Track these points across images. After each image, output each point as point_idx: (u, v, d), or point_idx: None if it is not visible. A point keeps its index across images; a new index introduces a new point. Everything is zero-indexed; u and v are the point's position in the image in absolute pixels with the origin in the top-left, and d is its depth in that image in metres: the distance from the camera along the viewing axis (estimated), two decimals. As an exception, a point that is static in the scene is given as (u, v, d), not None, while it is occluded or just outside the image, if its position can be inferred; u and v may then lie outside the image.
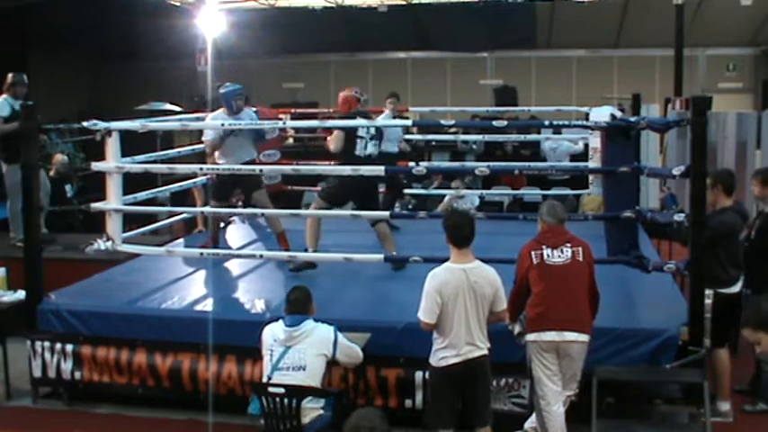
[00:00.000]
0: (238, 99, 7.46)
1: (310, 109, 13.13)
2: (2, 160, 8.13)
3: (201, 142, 9.05)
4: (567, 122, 7.21)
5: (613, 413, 5.02)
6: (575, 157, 11.20)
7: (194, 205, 8.82)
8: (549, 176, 12.21)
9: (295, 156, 11.58)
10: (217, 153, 7.43)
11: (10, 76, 8.18)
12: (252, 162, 7.57)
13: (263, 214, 8.63)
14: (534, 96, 17.83)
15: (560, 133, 12.03)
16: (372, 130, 7.00)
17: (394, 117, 8.93)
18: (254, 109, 8.15)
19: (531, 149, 13.68)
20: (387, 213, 7.34)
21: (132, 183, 6.99)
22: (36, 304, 6.12)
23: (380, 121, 8.37)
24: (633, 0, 16.78)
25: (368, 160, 6.85)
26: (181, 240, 8.53)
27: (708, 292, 5.26)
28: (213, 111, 7.81)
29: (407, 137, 10.03)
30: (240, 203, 9.33)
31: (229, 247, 8.13)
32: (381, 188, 10.04)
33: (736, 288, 5.51)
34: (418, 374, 5.30)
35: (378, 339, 5.31)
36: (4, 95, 8.08)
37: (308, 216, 7.29)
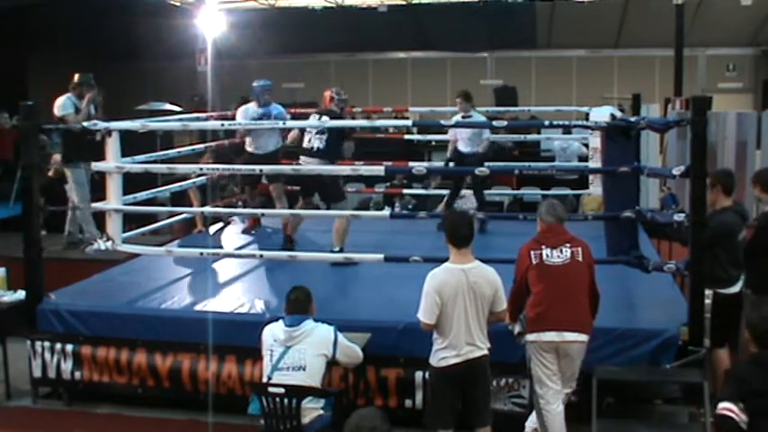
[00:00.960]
0: (266, 93, 7.99)
1: (310, 109, 13.12)
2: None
3: (201, 142, 9.08)
4: (566, 122, 7.20)
5: (613, 413, 5.02)
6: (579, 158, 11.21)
7: (191, 206, 8.83)
8: (554, 176, 12.21)
9: (295, 156, 11.57)
10: (248, 139, 8.04)
11: (77, 76, 8.11)
12: (278, 151, 8.14)
13: (263, 214, 8.64)
14: (534, 96, 17.85)
15: (570, 133, 12.02)
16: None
17: (464, 117, 8.67)
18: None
19: (519, 149, 13.72)
20: (386, 213, 7.35)
21: (132, 183, 6.99)
22: (36, 304, 6.12)
23: (380, 121, 8.36)
24: (633, 0, 16.79)
25: (312, 152, 7.41)
26: (181, 240, 8.53)
27: (707, 292, 5.26)
28: (244, 103, 8.25)
29: (495, 137, 10.05)
30: (240, 203, 9.35)
31: (229, 247, 8.12)
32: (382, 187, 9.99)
33: (736, 288, 5.50)
34: (418, 374, 5.31)
35: (378, 339, 5.31)
36: (68, 94, 8.00)
37: (306, 216, 7.34)
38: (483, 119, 8.83)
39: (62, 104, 7.81)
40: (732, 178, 5.75)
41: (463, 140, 8.74)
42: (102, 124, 6.50)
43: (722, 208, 5.59)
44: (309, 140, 7.45)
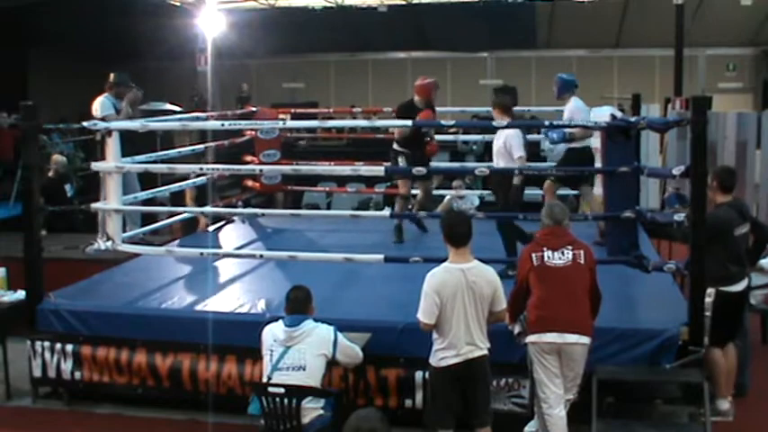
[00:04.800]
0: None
1: (310, 109, 13.15)
2: None
3: (201, 142, 9.08)
4: (567, 122, 7.19)
5: (613, 413, 5.02)
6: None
7: (185, 206, 8.83)
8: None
9: (295, 156, 11.61)
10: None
11: (112, 75, 8.04)
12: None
13: (263, 214, 8.65)
14: (534, 96, 17.86)
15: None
16: None
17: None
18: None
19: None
20: (386, 213, 7.34)
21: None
22: (36, 304, 6.12)
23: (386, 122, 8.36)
24: (633, 0, 16.80)
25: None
26: (181, 240, 8.53)
27: (709, 290, 5.24)
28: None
29: None
30: (240, 203, 9.35)
31: (229, 247, 8.12)
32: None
33: (740, 286, 5.43)
34: (418, 374, 5.30)
35: (378, 339, 5.31)
36: (106, 94, 7.93)
37: (306, 216, 7.29)
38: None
39: (102, 105, 7.77)
40: (728, 175, 5.69)
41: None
42: (102, 124, 6.49)
43: (718, 204, 5.56)
44: None
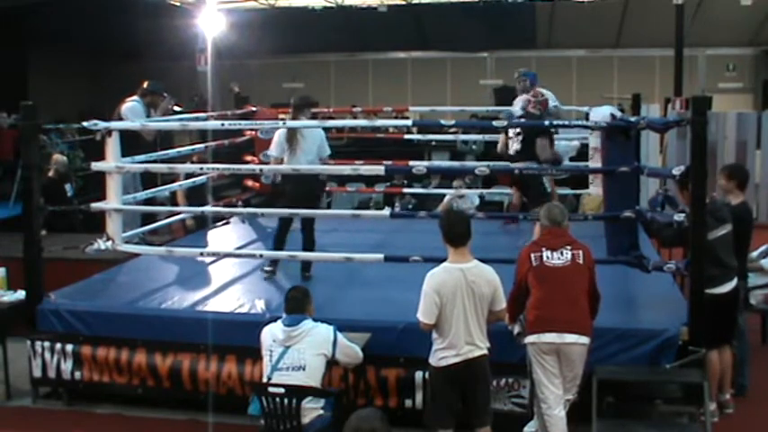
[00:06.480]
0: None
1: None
2: None
3: (201, 142, 9.07)
4: (566, 122, 7.20)
5: (613, 413, 5.02)
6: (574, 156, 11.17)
7: (178, 205, 8.85)
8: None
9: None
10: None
11: (146, 83, 8.07)
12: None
13: (262, 214, 8.64)
14: (534, 96, 17.83)
15: (557, 133, 12.03)
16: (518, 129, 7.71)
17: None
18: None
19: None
20: (386, 213, 7.35)
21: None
22: (36, 304, 6.12)
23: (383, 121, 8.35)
24: (633, 0, 16.80)
25: (512, 156, 7.75)
26: (181, 240, 8.53)
27: None
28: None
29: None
30: (240, 203, 9.35)
31: (229, 248, 8.12)
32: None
33: (725, 288, 5.39)
34: (418, 374, 5.30)
35: (378, 339, 5.31)
36: (136, 97, 7.94)
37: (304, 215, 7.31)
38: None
39: (134, 111, 7.78)
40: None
41: None
42: (102, 124, 6.49)
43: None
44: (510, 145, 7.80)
